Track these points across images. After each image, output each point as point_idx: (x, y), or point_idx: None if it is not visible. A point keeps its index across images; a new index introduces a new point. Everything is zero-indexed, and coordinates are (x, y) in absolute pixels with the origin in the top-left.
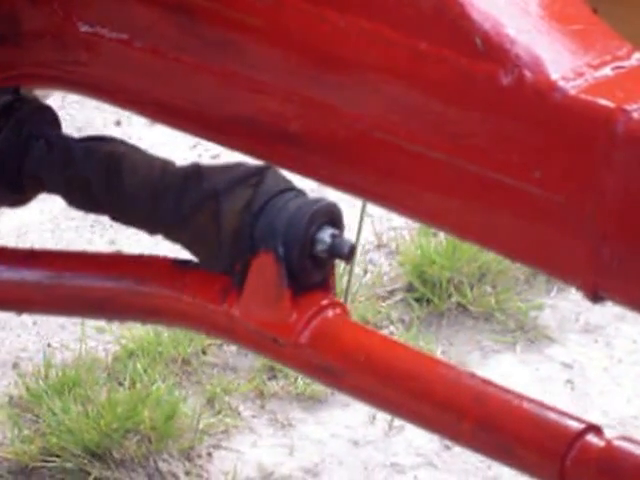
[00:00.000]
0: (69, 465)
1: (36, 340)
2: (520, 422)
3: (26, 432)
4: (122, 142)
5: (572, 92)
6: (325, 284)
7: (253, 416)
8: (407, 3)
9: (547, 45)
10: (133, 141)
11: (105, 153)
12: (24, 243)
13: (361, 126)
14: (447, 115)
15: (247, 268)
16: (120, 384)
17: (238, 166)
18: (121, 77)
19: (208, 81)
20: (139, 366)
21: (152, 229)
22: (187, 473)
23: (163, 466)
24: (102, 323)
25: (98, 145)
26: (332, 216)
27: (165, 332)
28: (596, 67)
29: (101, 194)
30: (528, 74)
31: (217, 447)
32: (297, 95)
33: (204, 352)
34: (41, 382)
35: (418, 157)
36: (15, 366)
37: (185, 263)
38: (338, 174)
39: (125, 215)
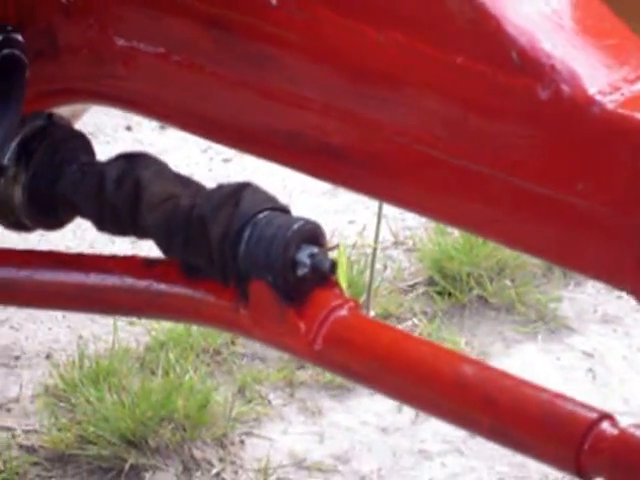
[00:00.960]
0: (105, 452)
1: (67, 332)
2: (535, 414)
3: (62, 420)
4: (151, 163)
5: (609, 106)
6: (327, 282)
7: (283, 404)
8: (444, 18)
9: (583, 60)
10: (144, 146)
11: (132, 182)
12: (47, 243)
13: (402, 140)
14: (486, 129)
15: (245, 290)
16: (153, 374)
17: (219, 189)
18: (158, 91)
19: (246, 95)
20: (171, 356)
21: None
22: (221, 460)
23: (197, 453)
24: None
25: (128, 170)
26: (309, 234)
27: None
28: (632, 81)
29: (127, 223)
30: (565, 88)
31: (249, 434)
32: (337, 109)
33: (233, 342)
34: (75, 372)
35: (460, 170)
36: (48, 357)
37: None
38: (380, 187)
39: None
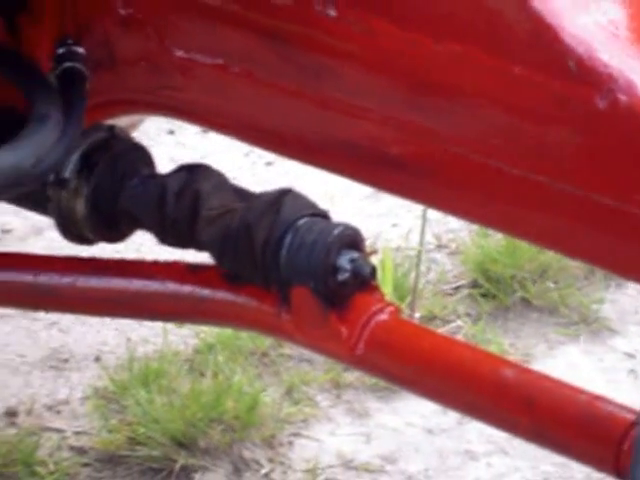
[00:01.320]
0: (155, 453)
1: (115, 335)
2: (574, 415)
3: (113, 422)
4: (211, 175)
5: None
6: (368, 287)
7: (330, 406)
8: (501, 28)
9: (639, 68)
10: (187, 150)
11: (191, 195)
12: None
13: (459, 149)
14: (543, 138)
15: (287, 296)
16: (202, 375)
17: (261, 196)
18: (216, 102)
19: (305, 107)
20: (220, 359)
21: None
22: (270, 460)
23: (246, 454)
24: None
25: (187, 183)
26: (349, 239)
27: None
28: None
29: (186, 236)
30: (623, 97)
31: (297, 435)
32: (395, 120)
33: (280, 345)
34: (125, 374)
35: (517, 180)
36: (97, 359)
37: None
38: (438, 197)
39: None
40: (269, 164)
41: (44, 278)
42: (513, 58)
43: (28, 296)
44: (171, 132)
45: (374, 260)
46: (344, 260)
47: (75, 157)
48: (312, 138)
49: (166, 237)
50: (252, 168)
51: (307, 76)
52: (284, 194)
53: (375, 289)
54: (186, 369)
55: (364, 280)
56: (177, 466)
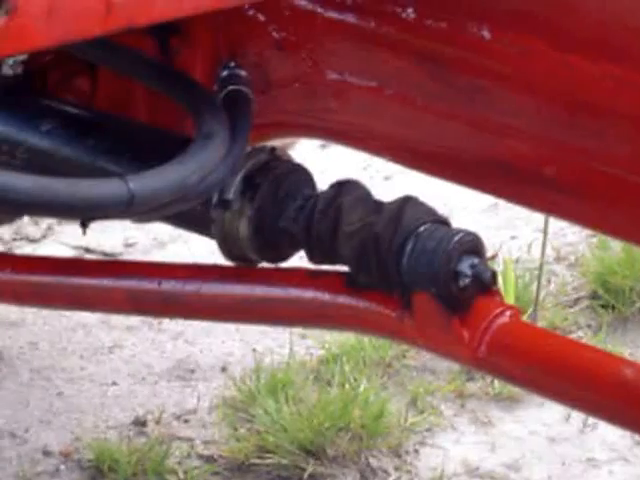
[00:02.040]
0: (284, 462)
1: (241, 345)
2: None
3: (241, 431)
4: (354, 191)
5: None
6: (489, 290)
7: (455, 415)
8: None
9: None
10: (306, 164)
11: (334, 212)
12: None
13: (613, 170)
14: None
15: (409, 301)
16: (329, 385)
17: (386, 205)
18: (370, 124)
19: (459, 128)
20: (346, 369)
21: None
22: (396, 468)
23: (373, 462)
24: (304, 330)
25: (332, 200)
26: (469, 245)
27: (366, 337)
28: None
29: (329, 251)
30: None
31: (423, 444)
32: (549, 140)
33: (404, 355)
34: (252, 384)
35: None
36: (224, 369)
37: None
38: (590, 215)
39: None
40: (387, 178)
41: (168, 286)
42: None
43: (153, 304)
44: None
45: (494, 265)
46: (465, 266)
47: (238, 179)
48: (466, 159)
49: (314, 255)
50: (370, 182)
51: (461, 98)
52: (405, 202)
53: (495, 292)
54: (312, 379)
55: (485, 285)
56: (305, 474)
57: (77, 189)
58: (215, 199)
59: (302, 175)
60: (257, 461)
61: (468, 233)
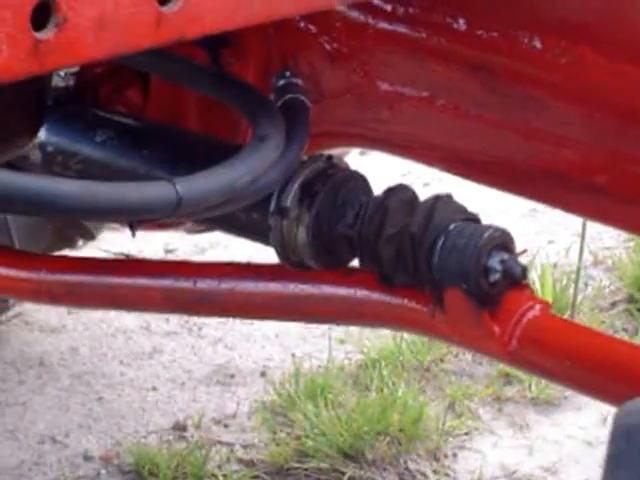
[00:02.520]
0: (324, 465)
1: (280, 350)
2: None
3: (281, 435)
4: (400, 192)
5: None
6: (519, 284)
7: (492, 419)
8: None
9: None
10: None
11: (379, 217)
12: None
13: None
14: None
15: (440, 297)
16: (367, 390)
17: (420, 204)
18: (423, 134)
19: (510, 137)
20: (384, 373)
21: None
22: (435, 472)
23: (412, 465)
24: (342, 335)
25: (379, 203)
26: (499, 241)
27: (404, 342)
28: None
29: (373, 255)
30: None
31: (461, 448)
32: (601, 149)
33: (442, 360)
34: (291, 389)
35: None
36: (263, 374)
37: None
38: None
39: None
40: (426, 185)
41: (203, 284)
42: None
43: (188, 302)
44: None
45: (531, 268)
46: (495, 261)
47: (296, 186)
48: (518, 168)
49: (363, 259)
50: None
51: (513, 107)
52: (436, 200)
53: (525, 287)
54: (351, 384)
55: (515, 280)
56: (345, 478)
57: (126, 192)
58: (272, 207)
59: (359, 182)
60: (296, 465)
61: (497, 229)
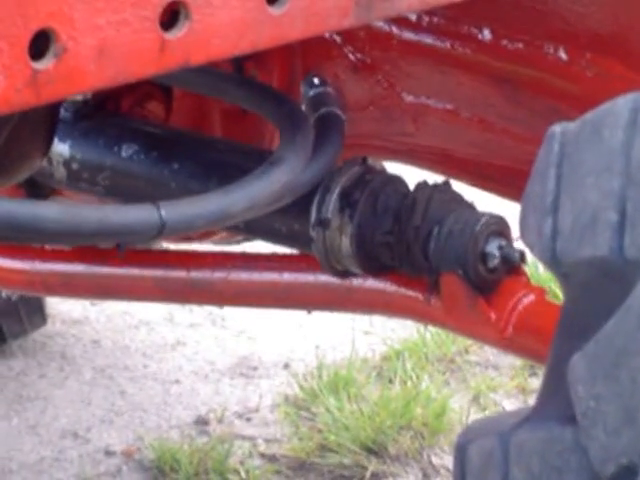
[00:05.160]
0: (346, 460)
1: (303, 342)
2: None
3: (303, 429)
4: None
5: None
6: (514, 272)
7: None
8: None
9: None
10: None
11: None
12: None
13: None
14: None
15: (437, 283)
16: (390, 382)
17: (408, 194)
18: (447, 147)
19: (536, 150)
20: (408, 366)
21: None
22: None
23: (435, 460)
24: (367, 326)
25: (413, 200)
26: (496, 227)
27: (428, 333)
28: None
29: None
30: None
31: None
32: None
33: (467, 351)
34: (314, 381)
35: None
36: (286, 366)
37: None
38: None
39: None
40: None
41: (197, 273)
42: None
43: (182, 290)
44: None
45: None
46: (493, 247)
47: (335, 197)
48: None
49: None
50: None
51: (538, 120)
52: (433, 190)
53: (522, 274)
54: (374, 376)
55: (514, 265)
56: (367, 473)
57: (108, 215)
58: (313, 218)
59: (397, 185)
60: (319, 460)
61: (493, 216)
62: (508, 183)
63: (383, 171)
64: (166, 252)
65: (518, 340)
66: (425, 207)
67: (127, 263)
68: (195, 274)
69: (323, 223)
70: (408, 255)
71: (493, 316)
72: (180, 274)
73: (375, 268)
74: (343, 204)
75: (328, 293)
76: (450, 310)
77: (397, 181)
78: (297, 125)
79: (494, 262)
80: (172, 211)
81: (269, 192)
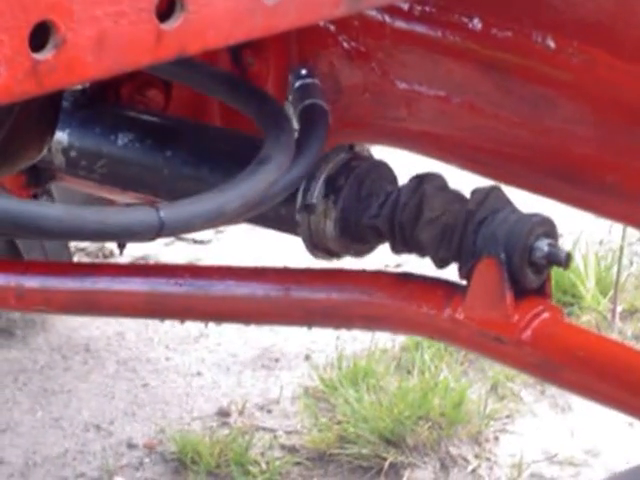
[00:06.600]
0: (365, 451)
1: (325, 333)
2: None
3: (323, 421)
4: (434, 181)
5: None
6: (543, 291)
7: (535, 401)
8: None
9: None
10: None
11: (417, 200)
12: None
13: None
14: None
15: (472, 271)
16: (409, 373)
17: (474, 193)
18: (439, 132)
19: (523, 135)
20: (426, 357)
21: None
22: (476, 456)
23: (453, 450)
24: None
25: (415, 187)
26: (548, 229)
27: None
28: None
29: (409, 238)
30: None
31: (503, 431)
32: (612, 147)
33: None
34: (334, 373)
35: None
36: (307, 358)
37: (407, 276)
38: None
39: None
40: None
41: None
42: None
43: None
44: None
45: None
46: (542, 243)
47: (320, 182)
48: (531, 167)
49: (396, 244)
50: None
51: (526, 106)
52: (491, 190)
53: (548, 294)
54: (394, 367)
55: (560, 264)
56: (386, 464)
57: (108, 216)
58: (299, 203)
59: (382, 171)
60: (338, 451)
61: (545, 217)
62: (498, 166)
63: (370, 157)
64: (154, 266)
65: (529, 348)
66: (483, 198)
67: (116, 277)
68: (186, 289)
69: (308, 208)
70: (443, 239)
71: (515, 316)
72: (171, 289)
73: (358, 250)
74: (328, 190)
75: (329, 310)
76: (472, 302)
77: (383, 167)
78: (280, 124)
79: (538, 255)
80: (170, 212)
81: (261, 190)
